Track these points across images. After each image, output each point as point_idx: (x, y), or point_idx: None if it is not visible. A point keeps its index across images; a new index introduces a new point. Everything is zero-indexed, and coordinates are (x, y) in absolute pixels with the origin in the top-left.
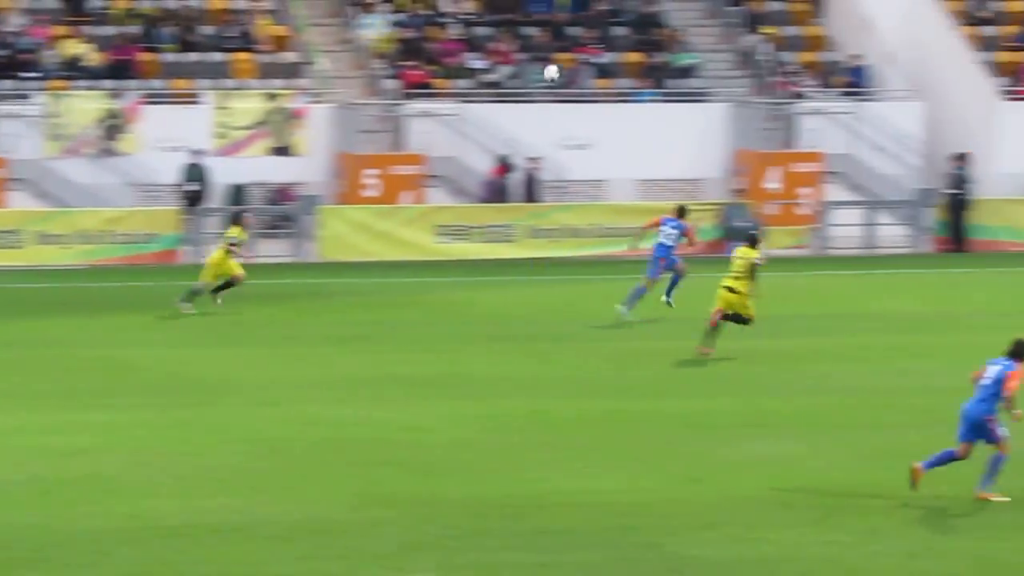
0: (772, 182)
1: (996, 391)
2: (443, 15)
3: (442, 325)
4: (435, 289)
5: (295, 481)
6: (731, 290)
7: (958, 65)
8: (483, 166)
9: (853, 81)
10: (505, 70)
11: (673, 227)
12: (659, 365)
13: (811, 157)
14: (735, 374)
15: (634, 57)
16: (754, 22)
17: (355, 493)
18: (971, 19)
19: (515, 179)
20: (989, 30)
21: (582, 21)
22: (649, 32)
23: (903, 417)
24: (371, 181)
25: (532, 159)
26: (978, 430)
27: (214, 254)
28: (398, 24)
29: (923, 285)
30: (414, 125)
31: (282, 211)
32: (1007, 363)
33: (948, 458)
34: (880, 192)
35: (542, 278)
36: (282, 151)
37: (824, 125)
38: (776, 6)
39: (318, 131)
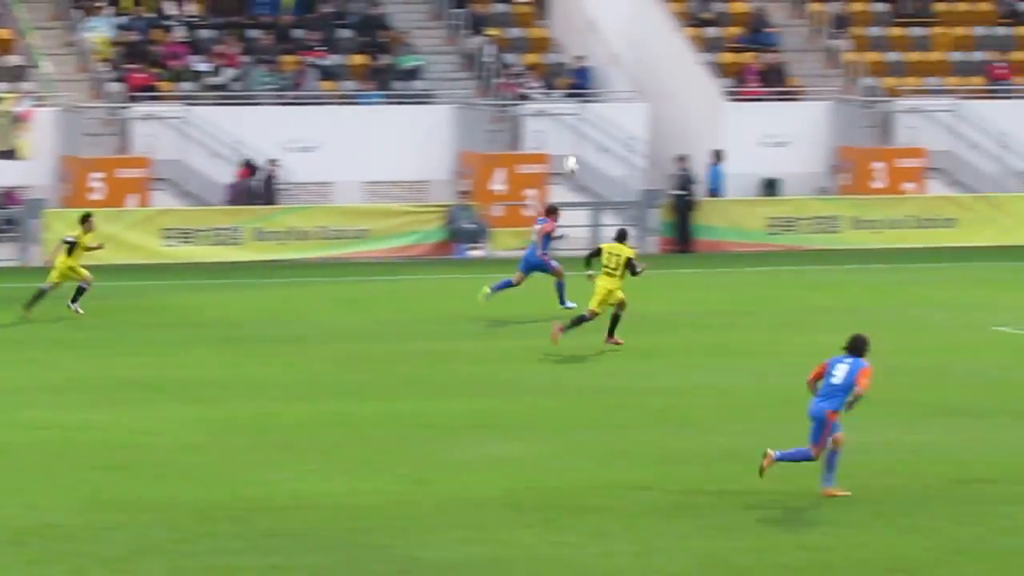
0: (498, 184)
1: (846, 388)
2: (167, 18)
3: (169, 328)
4: (162, 292)
5: (21, 485)
6: (605, 287)
7: (682, 66)
8: (209, 169)
9: (577, 82)
10: (230, 72)
11: (539, 224)
12: (387, 366)
13: (536, 159)
14: (463, 375)
15: (359, 59)
16: (478, 24)
17: (83, 497)
18: (694, 20)
19: (257, 181)
20: (712, 31)
21: (306, 23)
22: (373, 34)
23: (630, 417)
24: (96, 184)
25: (271, 161)
26: (819, 425)
27: (58, 257)
28: (122, 27)
29: (649, 286)
30: (139, 128)
31: (7, 215)
32: (854, 361)
33: (803, 457)
34: (606, 193)
35: (270, 281)
36: (6, 155)
37: (549, 126)
38: (500, 8)
39: (43, 134)
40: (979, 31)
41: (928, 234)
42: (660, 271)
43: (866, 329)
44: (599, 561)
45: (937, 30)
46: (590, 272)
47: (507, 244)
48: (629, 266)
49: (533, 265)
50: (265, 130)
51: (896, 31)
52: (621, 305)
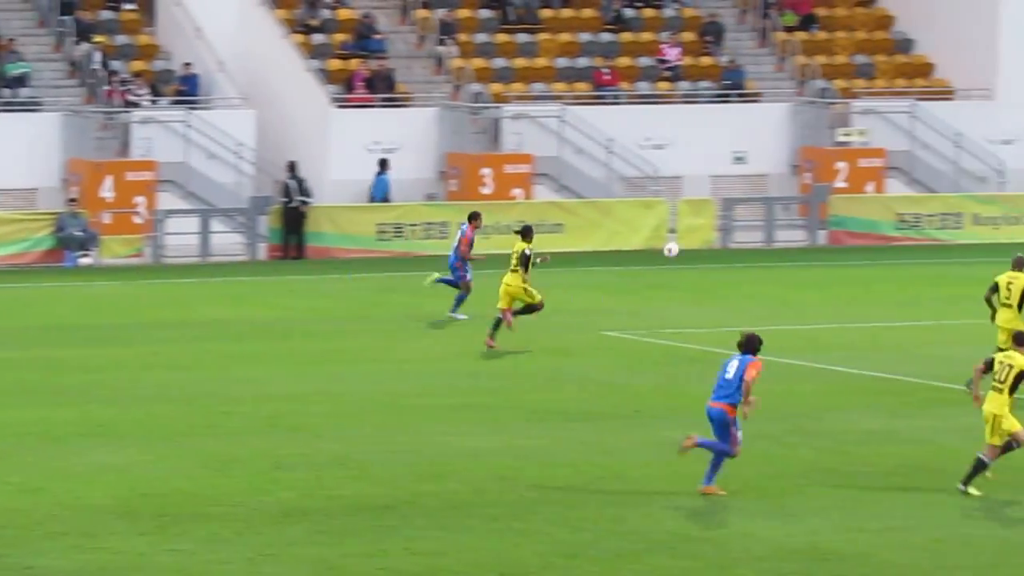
0: (106, 191)
1: (738, 384)
2: None
3: None
4: None
5: None
6: (509, 284)
7: (290, 73)
8: None
9: (185, 89)
10: None
11: (460, 233)
12: None
13: (145, 166)
14: (75, 383)
15: None
16: (85, 31)
17: None
18: (301, 27)
19: None
20: (320, 38)
21: None
22: None
23: (243, 424)
24: None
25: None
26: (720, 426)
27: None
28: None
29: (260, 293)
30: None
31: None
32: (743, 357)
33: (724, 456)
34: (215, 200)
35: None
36: None
37: (158, 134)
38: (107, 15)
39: None
40: (584, 37)
41: (536, 239)
42: (270, 278)
43: (479, 334)
44: (213, 568)
45: (543, 36)
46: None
47: (116, 251)
48: (523, 260)
49: (454, 269)
50: None
51: (502, 37)
52: (539, 306)
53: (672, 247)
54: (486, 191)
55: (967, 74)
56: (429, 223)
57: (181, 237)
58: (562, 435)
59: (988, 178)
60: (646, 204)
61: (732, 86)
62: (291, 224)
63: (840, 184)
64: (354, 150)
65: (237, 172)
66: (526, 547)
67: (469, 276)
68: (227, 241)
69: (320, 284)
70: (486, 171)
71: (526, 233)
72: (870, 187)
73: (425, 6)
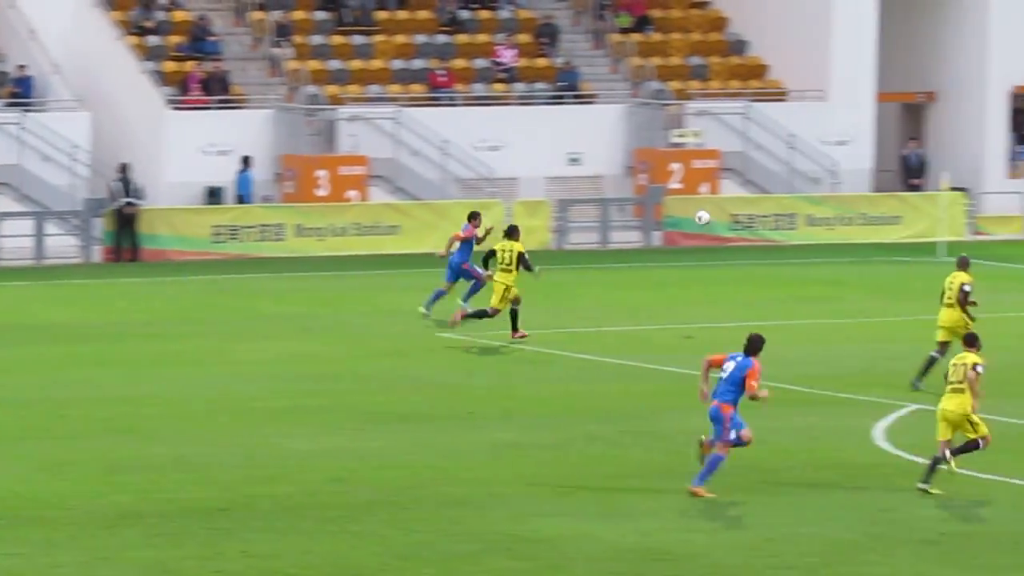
0: None
1: (735, 385)
2: None
3: None
4: None
5: None
6: (503, 283)
7: (125, 75)
8: None
9: (19, 91)
10: None
11: (464, 230)
12: None
13: None
14: None
15: None
16: None
17: None
18: (136, 29)
19: None
20: (154, 40)
21: None
22: None
23: (75, 427)
24: None
25: None
26: (716, 422)
27: None
28: None
29: (94, 295)
30: None
31: None
32: (743, 359)
33: (717, 463)
34: (49, 203)
35: None
36: None
37: None
38: None
39: None
40: (420, 39)
41: (371, 241)
42: (105, 280)
43: (314, 336)
44: (46, 572)
45: (378, 38)
46: (489, 273)
47: None
48: (522, 261)
49: (457, 271)
50: None
51: (338, 39)
52: (516, 300)
53: (703, 215)
54: (321, 193)
55: (800, 76)
56: (264, 225)
57: (15, 240)
58: (397, 437)
59: (821, 179)
60: (481, 206)
61: (567, 88)
62: (122, 226)
63: (675, 185)
64: (190, 152)
65: (72, 174)
66: (362, 549)
67: (480, 270)
68: (62, 244)
69: (155, 286)
70: (321, 173)
71: (512, 233)
72: (704, 188)
73: (260, 8)
